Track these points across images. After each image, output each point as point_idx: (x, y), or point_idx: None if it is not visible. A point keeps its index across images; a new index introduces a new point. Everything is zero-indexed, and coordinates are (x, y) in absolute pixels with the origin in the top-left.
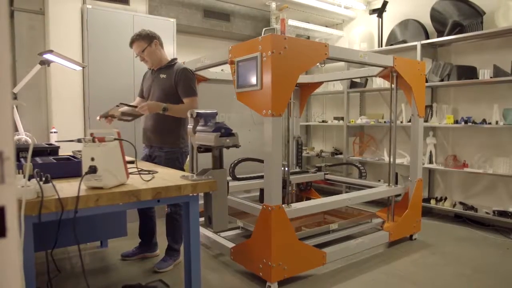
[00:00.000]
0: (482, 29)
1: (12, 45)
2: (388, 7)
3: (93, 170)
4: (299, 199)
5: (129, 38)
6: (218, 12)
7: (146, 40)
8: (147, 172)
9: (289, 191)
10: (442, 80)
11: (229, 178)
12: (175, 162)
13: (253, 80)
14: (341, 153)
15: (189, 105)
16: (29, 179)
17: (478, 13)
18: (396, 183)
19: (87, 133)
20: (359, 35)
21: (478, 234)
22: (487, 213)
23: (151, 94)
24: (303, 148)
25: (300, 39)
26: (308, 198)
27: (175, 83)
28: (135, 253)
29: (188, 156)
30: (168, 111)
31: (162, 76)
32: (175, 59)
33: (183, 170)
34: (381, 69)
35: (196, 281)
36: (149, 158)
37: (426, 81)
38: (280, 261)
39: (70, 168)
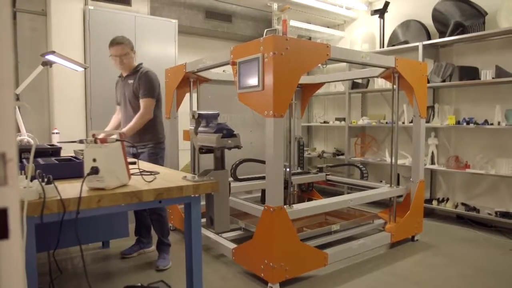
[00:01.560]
0: (484, 30)
1: (14, 46)
2: (389, 8)
3: (95, 171)
4: (300, 200)
5: (131, 39)
6: (219, 13)
7: (130, 46)
8: (148, 173)
9: (291, 192)
10: (444, 81)
11: (230, 179)
12: (157, 157)
13: (255, 81)
14: (342, 154)
15: (143, 108)
16: (31, 180)
17: (480, 14)
18: (398, 184)
19: (89, 134)
20: (361, 35)
21: (480, 235)
22: (489, 214)
23: (124, 100)
24: (305, 149)
25: (301, 40)
26: (310, 199)
27: (138, 85)
28: (134, 250)
29: (190, 156)
30: (126, 135)
31: (130, 81)
32: (140, 64)
33: (162, 165)
34: (382, 69)
35: (197, 282)
36: (134, 156)
37: (428, 82)
38: (281, 262)
39: (72, 169)
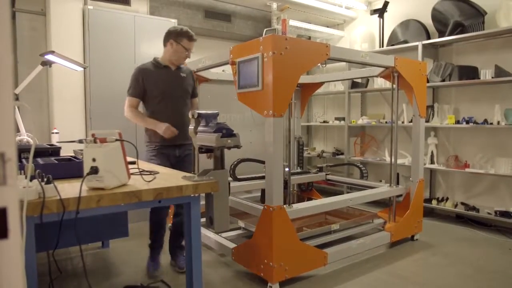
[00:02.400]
0: (483, 29)
1: (13, 46)
2: (389, 7)
3: (94, 170)
4: (300, 199)
5: (131, 39)
6: (219, 12)
7: None
8: (148, 173)
9: (290, 191)
10: (443, 80)
11: (230, 178)
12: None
13: (254, 80)
14: (342, 154)
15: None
16: (30, 180)
17: (479, 13)
18: (398, 183)
19: (88, 133)
20: (360, 35)
21: (480, 235)
22: (488, 213)
23: (174, 92)
24: (304, 148)
25: (301, 40)
26: (310, 199)
27: (193, 83)
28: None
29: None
30: None
31: (183, 75)
32: None
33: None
34: (382, 69)
35: (197, 282)
36: (177, 159)
37: (428, 81)
38: (281, 262)
39: (71, 168)
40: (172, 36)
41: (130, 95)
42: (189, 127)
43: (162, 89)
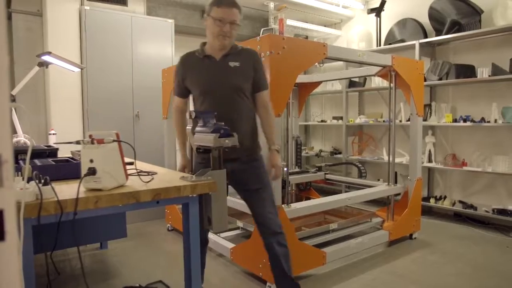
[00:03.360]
0: (480, 28)
1: (10, 47)
2: (386, 6)
3: (92, 171)
4: (298, 199)
5: (128, 39)
6: None
7: (241, 13)
8: (146, 174)
9: (289, 191)
10: (440, 79)
11: None
12: (267, 175)
13: None
14: (340, 153)
15: (270, 105)
16: (28, 182)
17: (476, 12)
18: (396, 182)
19: (86, 134)
20: (358, 34)
21: (477, 233)
22: (486, 211)
23: (215, 91)
24: (302, 148)
25: (298, 39)
26: (308, 198)
27: (254, 72)
28: None
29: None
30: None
31: (234, 64)
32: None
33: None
34: (379, 68)
35: (196, 282)
36: (233, 176)
37: (425, 80)
38: None
39: (69, 170)
40: (205, 11)
41: (174, 93)
42: (187, 127)
43: (201, 88)
